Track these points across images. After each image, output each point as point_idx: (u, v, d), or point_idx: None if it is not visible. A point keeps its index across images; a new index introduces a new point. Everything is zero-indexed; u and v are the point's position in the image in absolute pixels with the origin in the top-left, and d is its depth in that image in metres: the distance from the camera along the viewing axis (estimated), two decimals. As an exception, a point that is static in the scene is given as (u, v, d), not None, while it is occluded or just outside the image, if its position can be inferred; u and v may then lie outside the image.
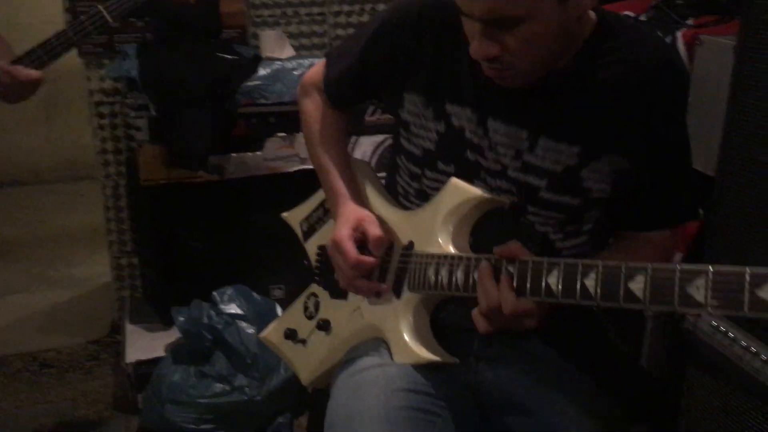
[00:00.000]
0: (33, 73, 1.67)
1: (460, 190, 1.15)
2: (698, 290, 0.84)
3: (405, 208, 1.29)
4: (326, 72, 1.38)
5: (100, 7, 1.69)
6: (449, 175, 1.19)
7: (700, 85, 1.83)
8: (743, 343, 1.52)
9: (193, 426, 2.11)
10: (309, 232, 1.46)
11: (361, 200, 1.32)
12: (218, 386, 2.12)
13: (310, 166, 2.48)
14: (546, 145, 1.13)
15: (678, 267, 0.86)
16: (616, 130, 1.13)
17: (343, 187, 1.32)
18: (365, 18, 2.85)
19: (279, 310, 2.29)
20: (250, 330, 2.16)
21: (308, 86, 1.43)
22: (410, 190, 1.28)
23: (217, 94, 2.27)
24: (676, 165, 1.20)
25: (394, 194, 1.34)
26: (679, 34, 1.81)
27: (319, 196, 1.47)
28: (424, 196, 1.25)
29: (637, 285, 0.89)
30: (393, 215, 1.29)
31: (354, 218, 1.24)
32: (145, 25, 2.55)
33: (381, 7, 2.83)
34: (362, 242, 1.24)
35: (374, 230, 1.22)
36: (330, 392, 1.21)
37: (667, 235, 1.23)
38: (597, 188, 1.15)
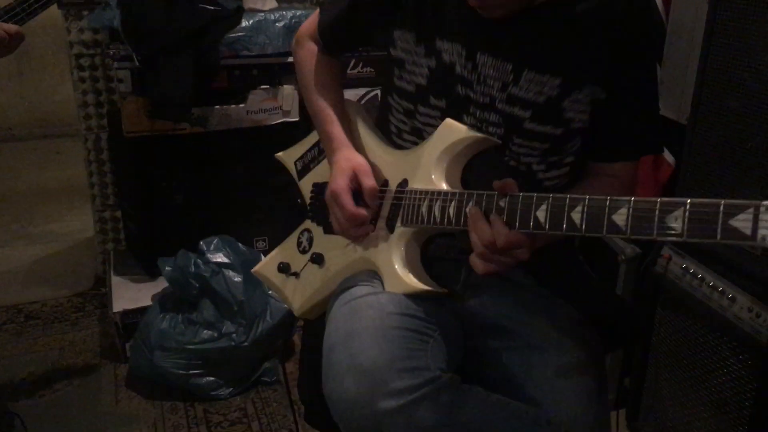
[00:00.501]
0: (10, 27, 1.67)
1: (455, 130, 1.19)
2: (676, 220, 0.89)
3: (398, 147, 1.34)
4: (320, 19, 1.42)
5: None
6: (441, 109, 1.24)
7: (676, 36, 1.89)
8: (711, 283, 1.60)
9: (182, 372, 2.17)
10: (303, 171, 1.51)
11: (356, 143, 1.36)
12: (206, 333, 2.17)
13: (293, 119, 2.54)
14: (530, 77, 1.18)
15: (659, 200, 0.91)
16: (595, 61, 1.18)
17: (339, 131, 1.35)
18: (345, -29, 2.85)
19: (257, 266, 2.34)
20: (237, 278, 2.20)
21: (303, 36, 1.46)
22: (403, 128, 1.32)
23: (198, 43, 2.27)
24: (643, 97, 1.25)
25: (387, 134, 1.38)
26: (656, -13, 1.85)
27: (313, 137, 1.51)
28: (417, 133, 1.29)
29: (620, 217, 0.94)
30: (387, 155, 1.33)
31: (349, 167, 1.28)
32: (124, -24, 2.52)
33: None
34: (357, 191, 1.28)
35: (368, 181, 1.26)
36: (326, 319, 1.26)
37: (631, 167, 1.28)
38: (578, 118, 1.20)
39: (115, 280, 2.60)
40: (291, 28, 2.44)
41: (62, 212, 3.63)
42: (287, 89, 2.49)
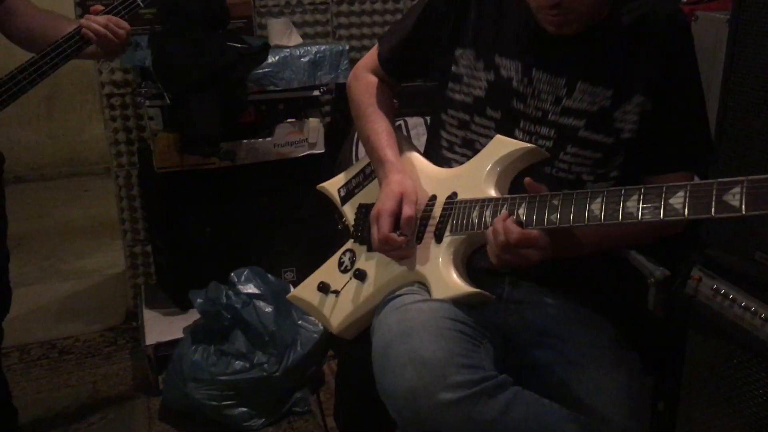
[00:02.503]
0: (122, 23, 1.75)
1: (506, 143, 1.27)
2: (734, 197, 0.92)
3: (447, 165, 1.39)
4: (380, 48, 1.51)
5: None
6: (496, 120, 1.31)
7: (698, 59, 1.91)
8: (743, 303, 1.60)
9: (215, 403, 2.19)
10: (347, 196, 1.56)
11: (406, 165, 1.42)
12: (238, 363, 2.19)
13: (319, 151, 2.59)
14: (583, 89, 1.26)
15: (716, 181, 0.94)
16: (642, 72, 1.25)
17: (393, 155, 1.41)
18: (366, 6, 2.92)
19: (293, 290, 2.37)
20: (268, 308, 2.23)
21: (360, 70, 1.55)
22: (456, 140, 1.39)
23: (226, 80, 2.33)
24: (693, 107, 1.31)
25: (437, 151, 1.43)
26: (675, 11, 1.88)
27: (356, 166, 1.57)
28: (469, 144, 1.35)
29: (678, 200, 0.97)
30: (436, 173, 1.39)
31: (399, 191, 1.33)
32: (154, 18, 2.61)
33: (382, -6, 2.91)
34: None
35: (408, 210, 1.31)
36: (373, 329, 1.29)
37: (689, 177, 1.33)
38: (627, 128, 1.27)
39: (147, 314, 2.64)
40: (315, 63, 2.50)
41: (92, 249, 3.70)
42: (313, 122, 2.54)
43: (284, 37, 2.60)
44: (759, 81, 1.49)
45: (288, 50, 2.50)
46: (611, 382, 1.19)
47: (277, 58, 2.46)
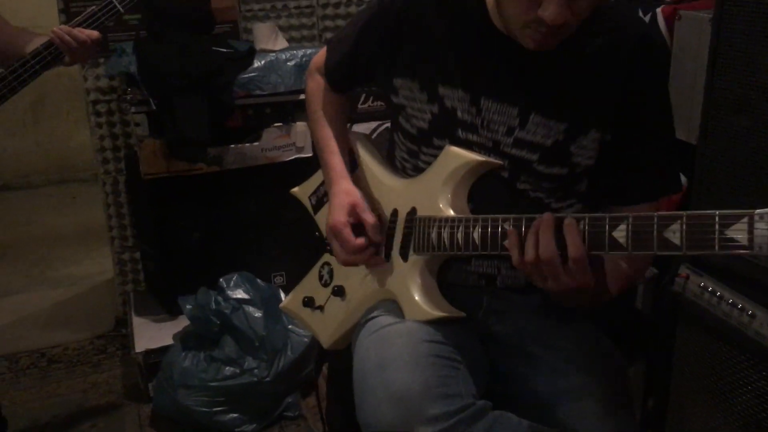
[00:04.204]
0: (93, 32, 1.78)
1: (457, 155, 1.22)
2: (674, 234, 0.91)
3: (405, 176, 1.36)
4: (326, 58, 1.47)
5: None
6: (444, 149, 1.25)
7: (681, 58, 1.92)
8: (730, 301, 1.61)
9: (205, 409, 2.18)
10: (318, 205, 1.53)
11: (363, 174, 1.40)
12: (228, 369, 2.18)
13: (307, 155, 2.58)
14: (537, 121, 1.19)
15: (656, 214, 0.94)
16: (600, 106, 1.18)
17: (338, 162, 1.39)
18: (352, 9, 2.91)
19: (282, 295, 2.36)
20: (257, 314, 2.22)
21: (313, 70, 1.51)
22: (408, 165, 1.35)
23: (212, 84, 2.32)
24: (658, 138, 1.24)
25: (394, 165, 1.40)
26: (659, 11, 1.89)
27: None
28: (420, 170, 1.31)
29: (620, 233, 0.97)
30: (395, 183, 1.36)
31: (348, 203, 1.32)
32: (139, 24, 2.60)
33: (367, -3, 2.91)
34: (357, 225, 1.32)
35: (369, 217, 1.30)
36: (354, 350, 1.27)
37: (652, 208, 1.26)
38: (584, 163, 1.21)
39: (136, 321, 2.63)
40: (302, 67, 2.49)
41: (80, 256, 3.67)
42: (300, 126, 2.54)
43: (270, 41, 2.59)
44: (742, 79, 1.50)
45: (274, 54, 2.50)
46: (596, 388, 1.18)
47: (263, 62, 2.45)
